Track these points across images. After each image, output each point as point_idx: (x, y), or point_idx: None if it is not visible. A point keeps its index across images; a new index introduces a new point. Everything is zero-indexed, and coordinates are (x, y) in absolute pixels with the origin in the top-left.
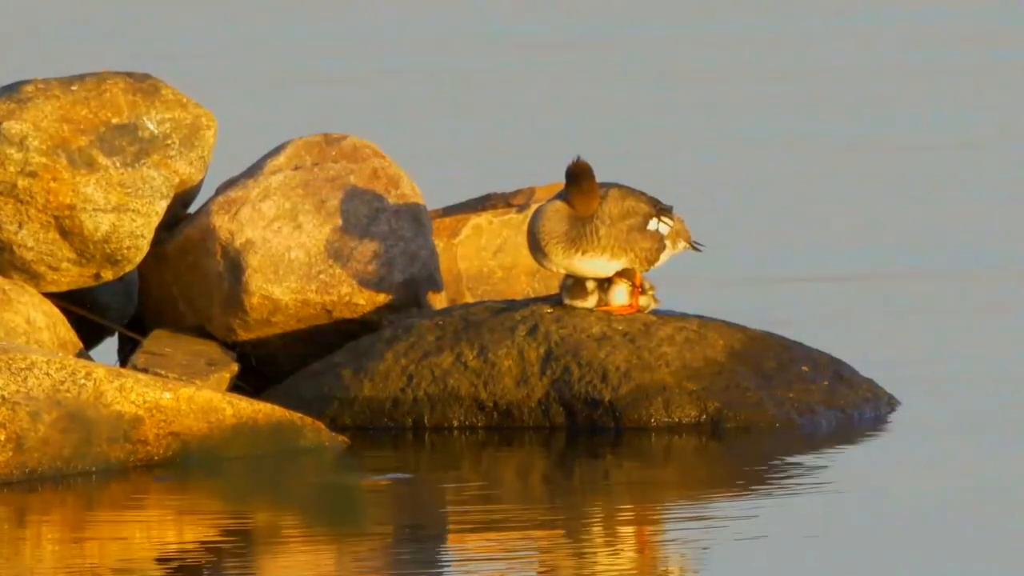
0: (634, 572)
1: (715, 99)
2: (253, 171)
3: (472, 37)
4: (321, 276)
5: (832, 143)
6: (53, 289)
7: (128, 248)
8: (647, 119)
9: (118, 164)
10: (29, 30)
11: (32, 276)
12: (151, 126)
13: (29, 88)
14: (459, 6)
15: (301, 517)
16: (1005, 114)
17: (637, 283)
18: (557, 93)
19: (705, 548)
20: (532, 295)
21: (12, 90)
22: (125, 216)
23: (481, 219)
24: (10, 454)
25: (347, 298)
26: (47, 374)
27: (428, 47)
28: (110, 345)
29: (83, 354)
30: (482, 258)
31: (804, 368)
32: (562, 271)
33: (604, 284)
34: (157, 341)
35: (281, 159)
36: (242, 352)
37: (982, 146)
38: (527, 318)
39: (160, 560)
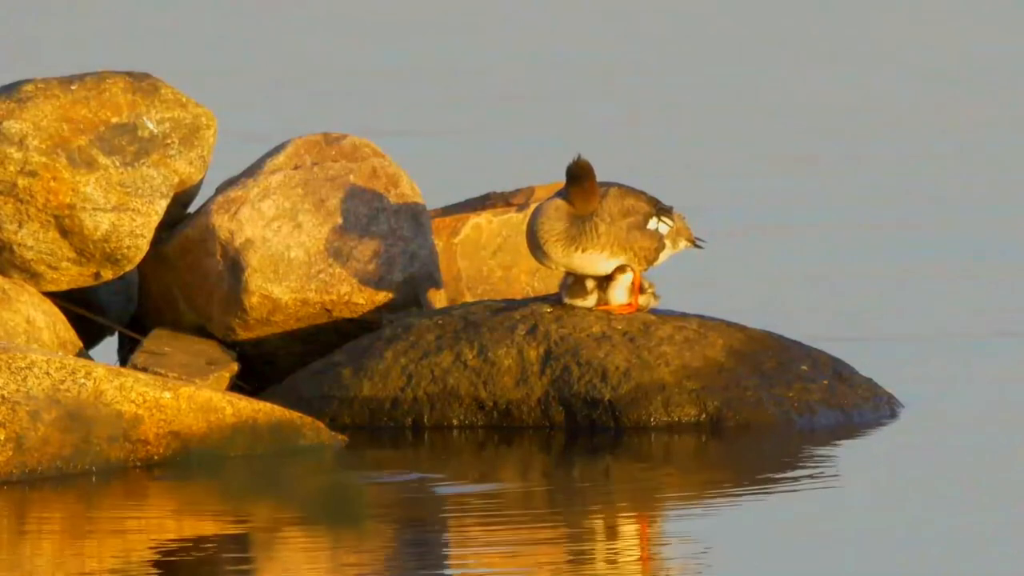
0: (635, 572)
1: (712, 96)
2: (253, 171)
3: (474, 36)
4: (321, 275)
5: (833, 145)
6: (53, 288)
7: (128, 248)
8: (647, 119)
9: (118, 163)
10: (29, 30)
11: (32, 275)
12: (151, 125)
13: (29, 88)
14: (459, 6)
15: (301, 516)
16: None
17: (636, 282)
18: (558, 91)
19: (705, 547)
20: (532, 294)
21: (12, 90)
22: (125, 215)
23: (481, 218)
24: (10, 453)
25: (347, 297)
26: (47, 373)
27: (428, 46)
28: (110, 345)
29: (83, 354)
30: (482, 257)
31: (804, 368)
32: (561, 269)
33: (604, 283)
34: (157, 340)
35: (281, 158)
36: (241, 351)
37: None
38: (527, 317)
39: (160, 559)
